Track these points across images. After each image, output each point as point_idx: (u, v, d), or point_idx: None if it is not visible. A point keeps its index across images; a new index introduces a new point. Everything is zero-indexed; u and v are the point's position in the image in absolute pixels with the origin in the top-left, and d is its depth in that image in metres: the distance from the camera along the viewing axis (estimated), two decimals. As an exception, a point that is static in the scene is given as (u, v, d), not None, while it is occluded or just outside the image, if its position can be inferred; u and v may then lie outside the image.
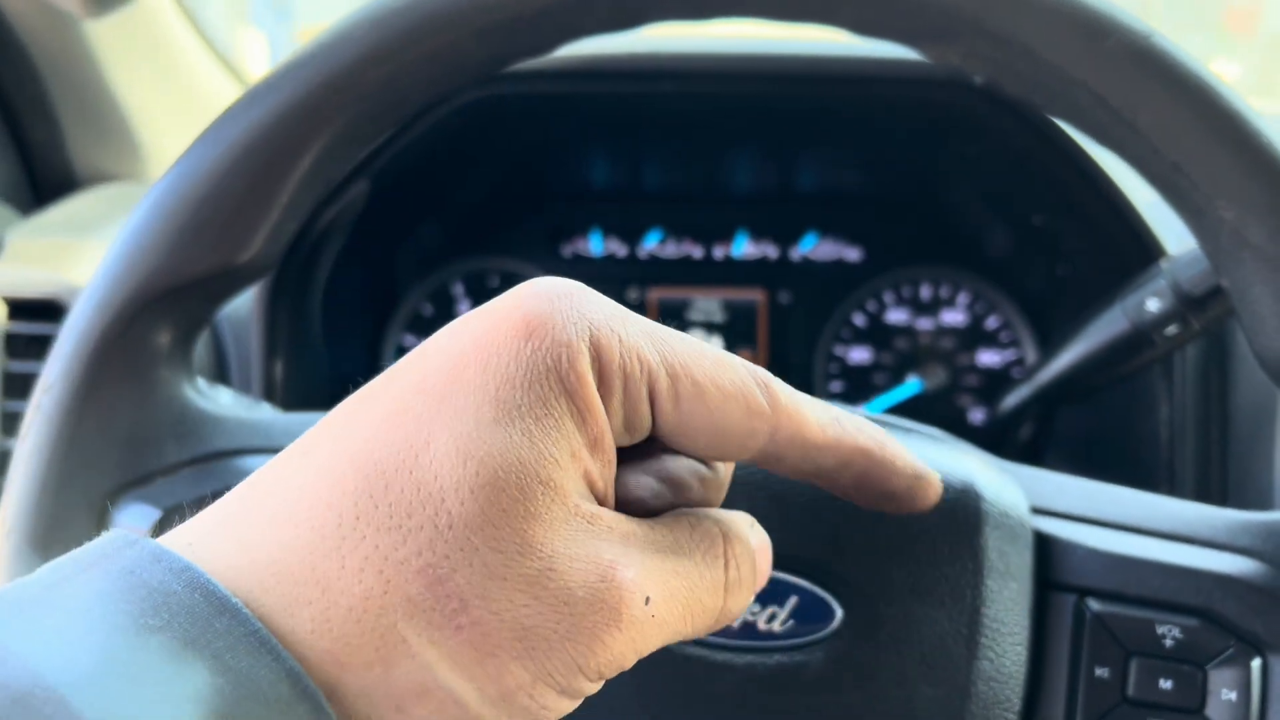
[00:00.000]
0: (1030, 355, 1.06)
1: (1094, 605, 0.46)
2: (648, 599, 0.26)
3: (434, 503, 0.24)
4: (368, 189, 0.82)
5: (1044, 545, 0.48)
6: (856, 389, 1.08)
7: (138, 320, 0.47)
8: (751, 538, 0.32)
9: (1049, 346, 1.04)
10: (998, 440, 0.76)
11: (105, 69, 0.90)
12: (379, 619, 0.24)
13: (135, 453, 0.47)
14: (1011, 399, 0.75)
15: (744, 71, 0.76)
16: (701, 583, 0.29)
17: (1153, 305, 0.65)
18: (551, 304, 0.27)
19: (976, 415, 1.07)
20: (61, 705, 0.20)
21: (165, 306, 0.47)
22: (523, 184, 1.03)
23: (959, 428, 1.06)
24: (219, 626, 0.22)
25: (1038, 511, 0.49)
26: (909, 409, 1.06)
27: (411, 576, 0.24)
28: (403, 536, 0.24)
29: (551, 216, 1.09)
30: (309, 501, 0.25)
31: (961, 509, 0.46)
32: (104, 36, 0.88)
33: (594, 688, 0.27)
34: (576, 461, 0.26)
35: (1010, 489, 0.49)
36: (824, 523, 0.46)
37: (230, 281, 0.48)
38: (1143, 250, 0.76)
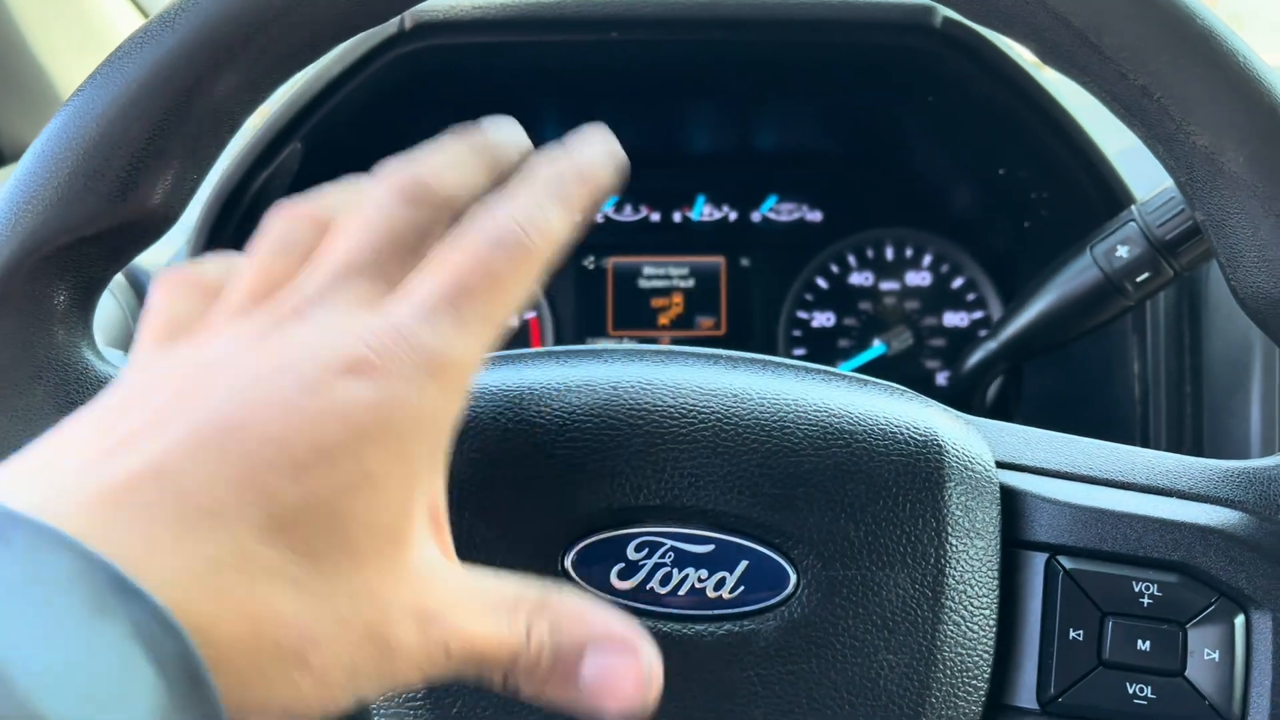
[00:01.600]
0: (996, 315, 1.03)
1: (1066, 563, 0.43)
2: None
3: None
4: (301, 151, 0.78)
5: (1011, 501, 0.45)
6: (820, 353, 1.05)
7: (27, 278, 0.43)
8: None
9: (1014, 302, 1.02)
10: (963, 400, 0.73)
11: (23, 31, 0.85)
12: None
13: (25, 420, 0.43)
14: (976, 355, 0.72)
15: (695, 18, 0.72)
16: None
17: (1123, 251, 0.62)
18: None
19: (943, 377, 1.04)
20: None
21: (58, 263, 0.43)
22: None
23: (925, 390, 1.03)
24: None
25: (1004, 465, 0.47)
26: (873, 372, 1.03)
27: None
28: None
29: (502, 182, 1.05)
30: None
31: (923, 463, 0.43)
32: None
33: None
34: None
35: (975, 441, 0.46)
36: (775, 479, 0.43)
37: (130, 235, 0.44)
38: (1112, 200, 0.74)
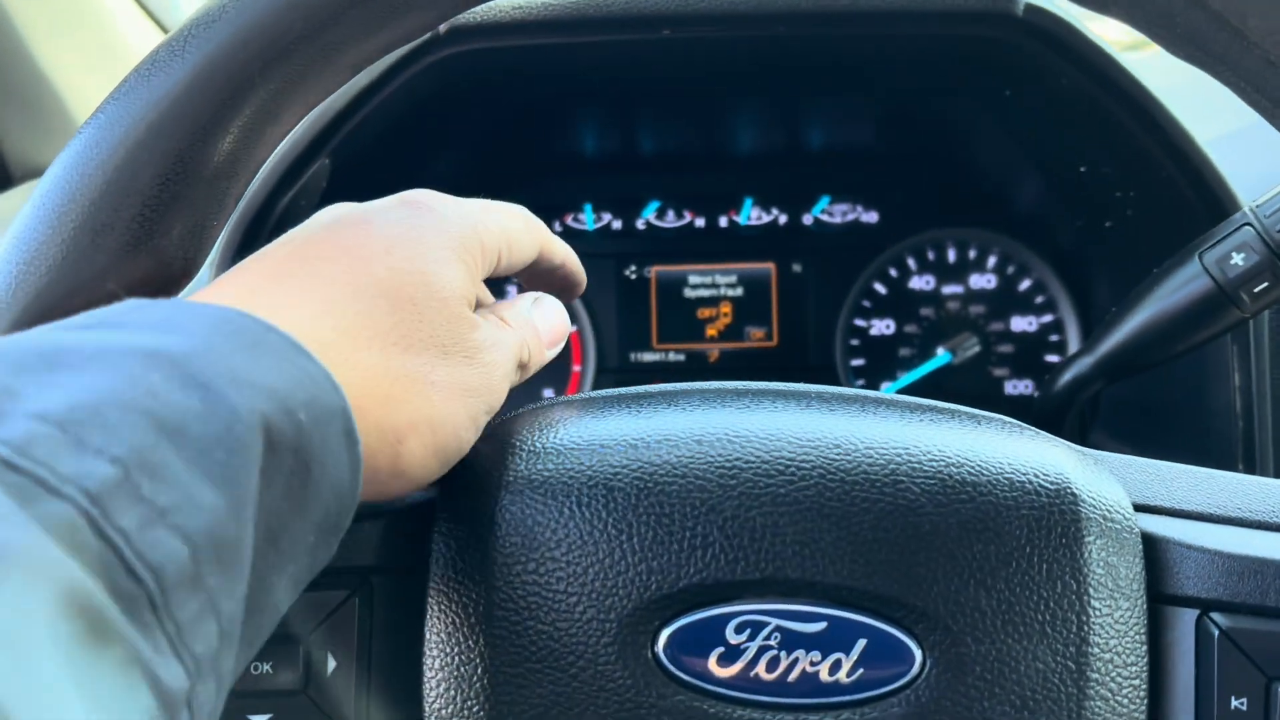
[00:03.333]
0: (1068, 318, 0.97)
1: (1221, 620, 0.38)
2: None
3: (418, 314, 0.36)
4: (329, 168, 0.73)
5: (1154, 550, 0.39)
6: (880, 363, 0.99)
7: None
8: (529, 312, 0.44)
9: (1090, 308, 0.96)
10: (1053, 423, 0.67)
11: (29, 46, 0.80)
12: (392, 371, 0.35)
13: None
14: (1069, 373, 0.66)
15: (756, 13, 0.67)
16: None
17: (1239, 258, 0.56)
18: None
19: (1013, 387, 0.98)
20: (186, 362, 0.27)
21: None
22: (503, 154, 0.93)
23: (995, 402, 0.97)
24: (274, 339, 0.30)
25: (1141, 509, 0.41)
26: (939, 383, 0.98)
27: (418, 349, 0.36)
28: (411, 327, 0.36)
29: (537, 189, 1.00)
30: (336, 295, 0.35)
31: (1058, 515, 0.38)
32: (23, 9, 0.78)
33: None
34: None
35: (1109, 484, 0.40)
36: (891, 542, 0.37)
37: (146, 293, 0.39)
38: (1212, 200, 0.67)
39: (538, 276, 0.47)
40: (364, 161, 0.76)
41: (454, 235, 0.39)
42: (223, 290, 0.35)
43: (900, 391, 0.98)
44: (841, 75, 0.78)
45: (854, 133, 0.94)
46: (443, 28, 0.67)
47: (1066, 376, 0.66)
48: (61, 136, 0.88)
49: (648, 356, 1.01)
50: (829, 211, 1.01)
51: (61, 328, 0.28)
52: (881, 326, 1.00)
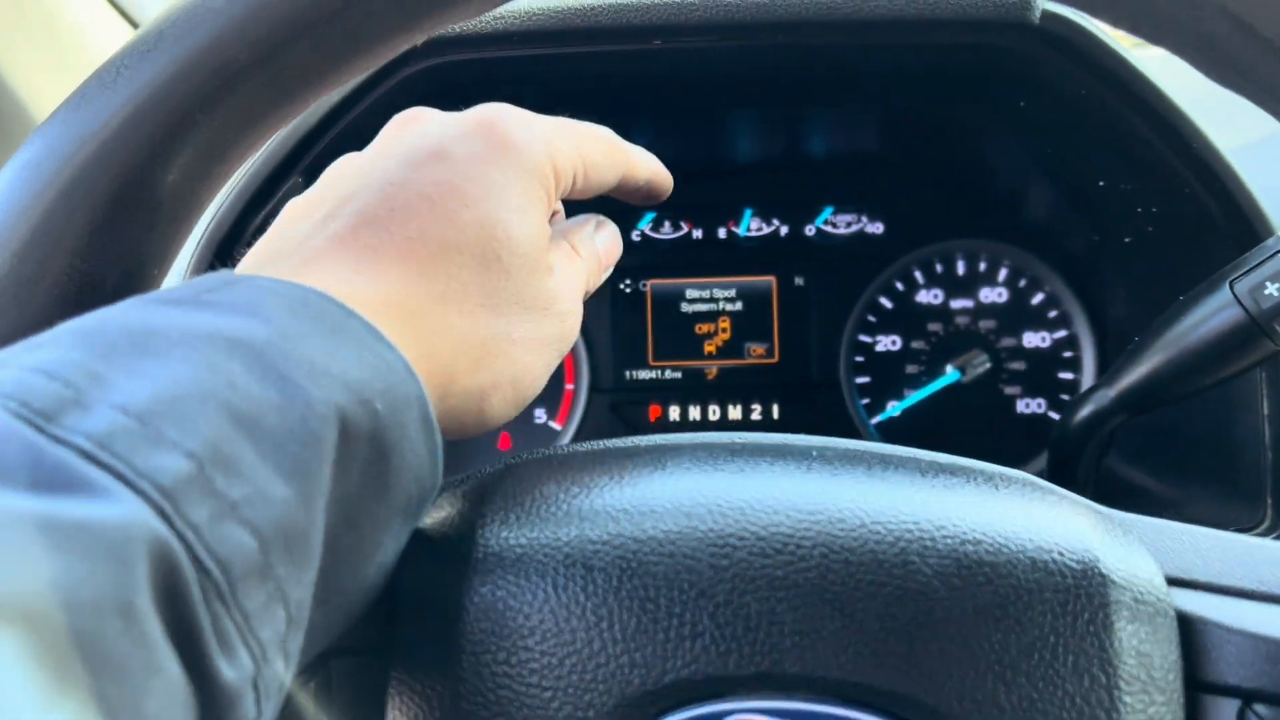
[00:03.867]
0: (1083, 334, 0.93)
1: (1265, 713, 0.35)
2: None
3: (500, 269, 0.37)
4: (303, 186, 0.69)
5: (1191, 633, 0.35)
6: (886, 381, 0.95)
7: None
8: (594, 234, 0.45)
9: (1105, 323, 0.92)
10: (1070, 458, 0.63)
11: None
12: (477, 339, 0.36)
13: None
14: (1088, 407, 0.62)
15: (745, 23, 0.62)
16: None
17: (1274, 289, 0.52)
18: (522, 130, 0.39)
19: (1025, 405, 0.94)
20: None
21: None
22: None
23: (1006, 421, 0.93)
24: (354, 325, 0.30)
25: (1176, 583, 0.37)
26: (948, 401, 0.94)
27: (504, 308, 0.37)
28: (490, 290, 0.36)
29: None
30: (425, 256, 0.35)
31: (1085, 600, 0.34)
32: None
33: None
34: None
35: (1140, 557, 0.36)
36: (900, 631, 0.34)
37: None
38: (1239, 220, 0.63)
39: (621, 194, 0.46)
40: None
41: (531, 171, 0.38)
42: (309, 264, 0.34)
43: (907, 410, 0.94)
44: (846, 84, 0.73)
45: (858, 140, 0.90)
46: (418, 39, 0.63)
47: (1085, 410, 0.62)
48: (8, 133, 0.83)
49: (643, 374, 0.97)
50: (832, 222, 0.97)
51: (154, 301, 0.29)
52: (887, 342, 0.96)
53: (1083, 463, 0.63)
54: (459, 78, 0.66)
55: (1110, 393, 0.61)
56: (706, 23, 0.62)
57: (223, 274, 0.31)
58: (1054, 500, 0.38)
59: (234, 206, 0.66)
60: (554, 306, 0.39)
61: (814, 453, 0.39)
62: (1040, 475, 0.87)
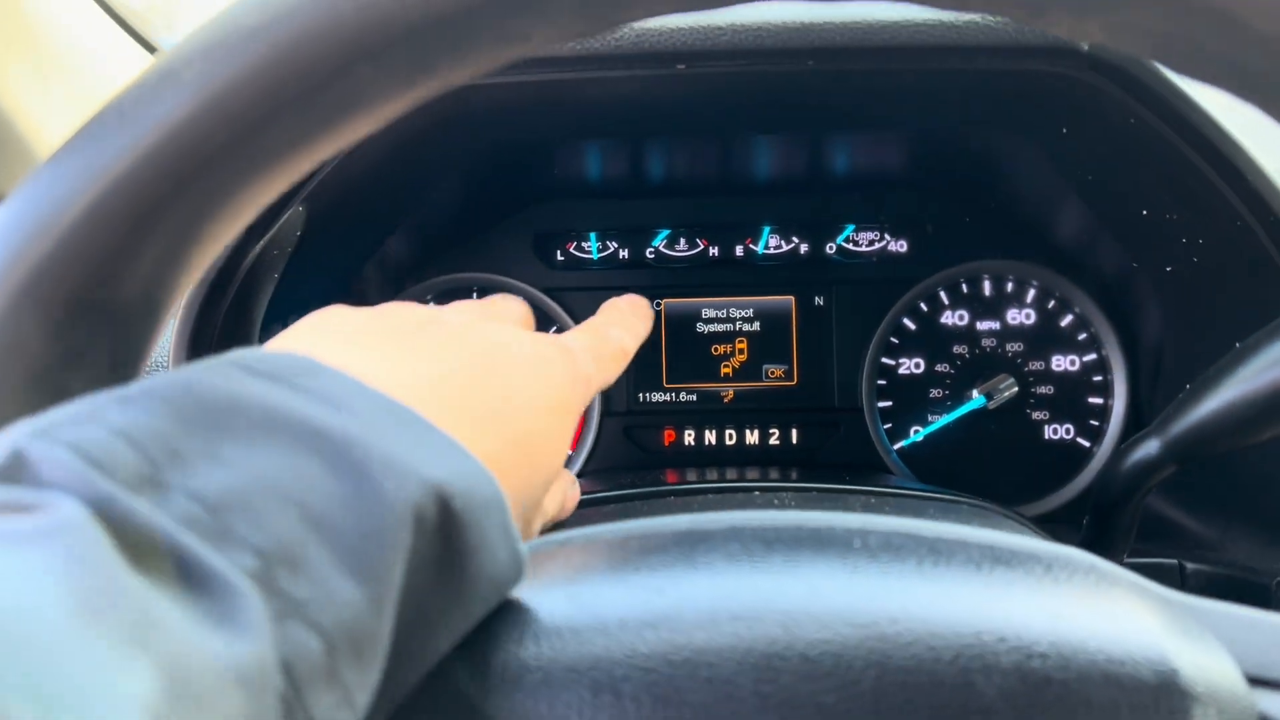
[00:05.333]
0: (1114, 357, 0.89)
1: None
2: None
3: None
4: (304, 214, 0.65)
5: None
6: (909, 406, 0.92)
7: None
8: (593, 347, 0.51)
9: (1137, 346, 0.88)
10: (1113, 510, 0.59)
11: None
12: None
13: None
14: (1136, 454, 0.58)
15: (774, 49, 0.59)
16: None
17: (1346, 340, 0.49)
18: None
19: (1053, 431, 0.91)
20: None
21: None
22: (503, 181, 0.86)
23: (1034, 448, 0.90)
24: (435, 437, 0.31)
25: (1258, 683, 0.34)
26: (973, 427, 0.90)
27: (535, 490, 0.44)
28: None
29: (538, 217, 0.92)
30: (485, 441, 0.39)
31: (1163, 713, 0.31)
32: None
33: None
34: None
35: (1217, 657, 0.33)
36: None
37: None
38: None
39: None
40: (346, 201, 0.69)
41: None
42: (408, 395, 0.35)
43: (931, 436, 0.91)
44: (873, 109, 0.69)
45: (882, 159, 0.86)
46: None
47: (1133, 458, 0.58)
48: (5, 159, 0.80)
49: (657, 397, 0.93)
50: (854, 240, 0.93)
51: (244, 369, 0.28)
52: (911, 365, 0.92)
53: (1126, 513, 0.60)
54: (472, 102, 0.63)
55: (1158, 441, 0.57)
56: (735, 48, 0.58)
57: (307, 360, 0.31)
58: (1121, 592, 0.35)
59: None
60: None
61: (856, 542, 0.35)
62: (1070, 506, 0.83)
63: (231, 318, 0.67)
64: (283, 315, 0.69)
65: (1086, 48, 0.58)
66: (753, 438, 0.93)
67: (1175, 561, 0.71)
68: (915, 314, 0.92)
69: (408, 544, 0.27)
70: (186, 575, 0.23)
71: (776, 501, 0.59)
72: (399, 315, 0.42)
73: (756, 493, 0.64)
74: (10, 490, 0.23)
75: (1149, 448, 0.58)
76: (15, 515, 0.22)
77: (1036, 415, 0.91)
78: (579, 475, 0.92)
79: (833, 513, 0.37)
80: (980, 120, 0.71)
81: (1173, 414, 0.57)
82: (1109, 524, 0.61)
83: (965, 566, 0.34)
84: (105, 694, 0.19)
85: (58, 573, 0.21)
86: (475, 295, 0.93)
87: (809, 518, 0.36)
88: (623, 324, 0.56)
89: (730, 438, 0.93)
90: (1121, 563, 0.62)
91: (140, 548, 0.23)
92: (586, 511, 0.64)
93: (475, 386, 0.40)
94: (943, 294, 0.92)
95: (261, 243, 0.64)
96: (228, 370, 0.28)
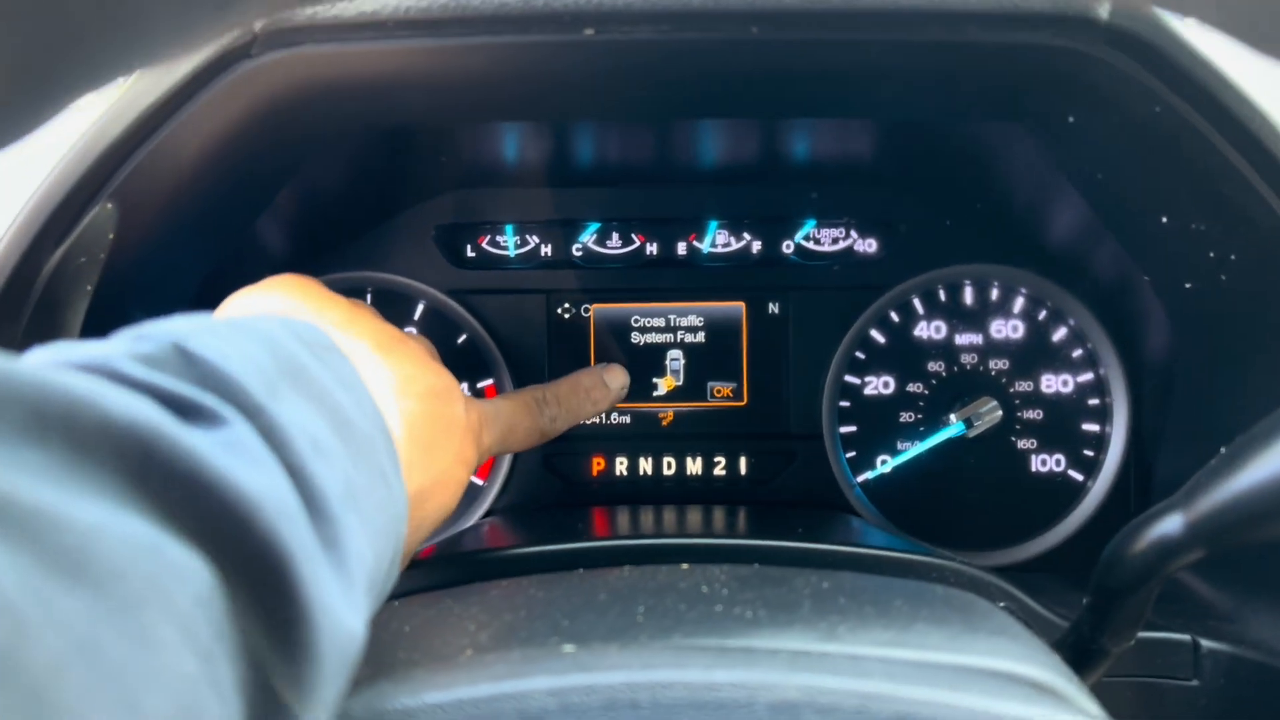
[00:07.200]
0: (1114, 377, 0.77)
1: None
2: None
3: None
4: (115, 214, 0.51)
5: None
6: (877, 432, 0.79)
7: None
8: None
9: (1139, 365, 0.76)
10: (1120, 593, 0.47)
11: None
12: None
13: None
14: (1152, 532, 0.46)
15: (712, 9, 0.45)
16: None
17: None
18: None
19: (1041, 463, 0.78)
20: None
21: None
22: (395, 168, 0.72)
23: (1019, 482, 0.78)
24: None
25: None
26: (949, 458, 0.78)
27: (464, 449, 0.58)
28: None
29: (441, 207, 0.79)
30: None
31: None
32: None
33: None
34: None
35: None
36: None
37: None
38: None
39: None
40: (175, 196, 0.55)
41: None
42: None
43: (901, 468, 0.78)
44: (840, 93, 0.56)
45: (849, 145, 0.73)
46: (257, 26, 0.46)
47: (1150, 536, 0.46)
48: None
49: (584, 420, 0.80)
50: (815, 238, 0.80)
51: (304, 341, 0.41)
52: (878, 385, 0.80)
53: (1135, 601, 0.48)
54: (318, 75, 0.49)
55: (1186, 518, 0.45)
56: (655, 9, 0.44)
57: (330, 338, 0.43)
58: None
59: (19, 242, 0.49)
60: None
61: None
62: (1058, 552, 0.70)
63: (34, 336, 0.53)
64: (105, 329, 0.55)
65: (1106, 15, 0.45)
66: (695, 467, 0.80)
67: (1189, 638, 0.59)
68: (885, 325, 0.80)
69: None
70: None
71: (705, 589, 0.46)
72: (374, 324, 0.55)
73: (684, 565, 0.52)
74: (187, 386, 0.32)
75: (1171, 525, 0.46)
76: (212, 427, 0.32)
77: (1023, 444, 0.79)
78: (486, 514, 0.79)
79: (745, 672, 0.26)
80: (966, 105, 0.58)
81: (1204, 484, 0.45)
82: (1113, 610, 0.49)
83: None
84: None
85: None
86: (369, 298, 0.79)
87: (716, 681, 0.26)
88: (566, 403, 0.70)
89: (669, 467, 0.80)
90: (1122, 654, 0.51)
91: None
92: (471, 579, 0.52)
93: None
94: (917, 302, 0.79)
95: (60, 250, 0.50)
96: (305, 330, 0.41)
